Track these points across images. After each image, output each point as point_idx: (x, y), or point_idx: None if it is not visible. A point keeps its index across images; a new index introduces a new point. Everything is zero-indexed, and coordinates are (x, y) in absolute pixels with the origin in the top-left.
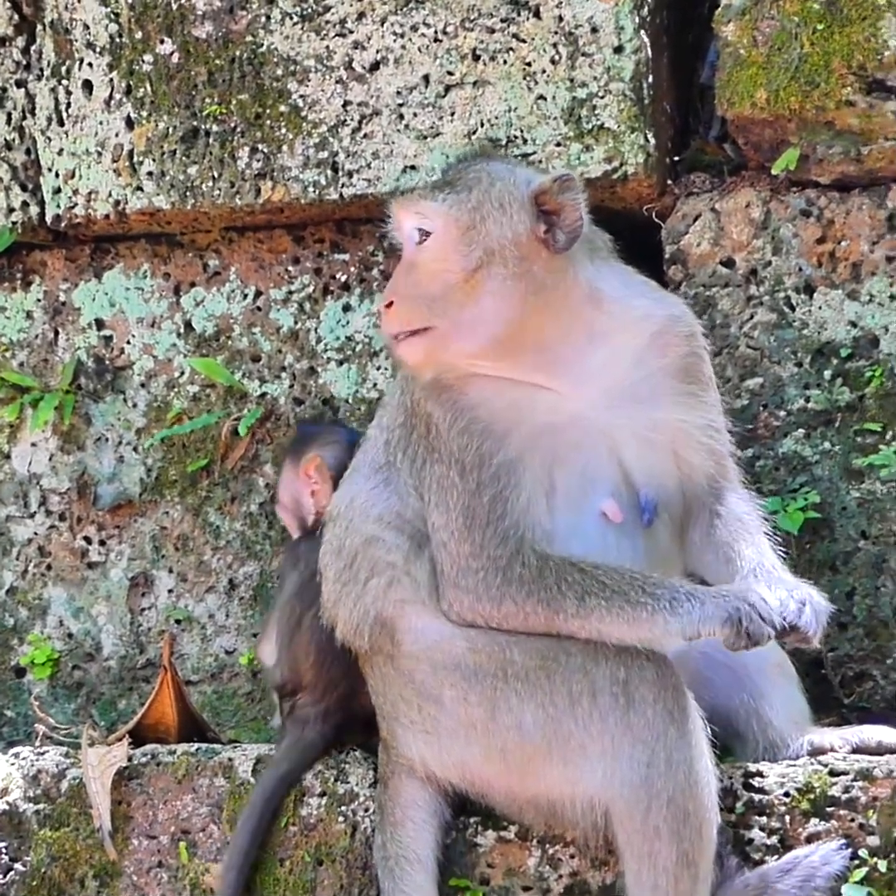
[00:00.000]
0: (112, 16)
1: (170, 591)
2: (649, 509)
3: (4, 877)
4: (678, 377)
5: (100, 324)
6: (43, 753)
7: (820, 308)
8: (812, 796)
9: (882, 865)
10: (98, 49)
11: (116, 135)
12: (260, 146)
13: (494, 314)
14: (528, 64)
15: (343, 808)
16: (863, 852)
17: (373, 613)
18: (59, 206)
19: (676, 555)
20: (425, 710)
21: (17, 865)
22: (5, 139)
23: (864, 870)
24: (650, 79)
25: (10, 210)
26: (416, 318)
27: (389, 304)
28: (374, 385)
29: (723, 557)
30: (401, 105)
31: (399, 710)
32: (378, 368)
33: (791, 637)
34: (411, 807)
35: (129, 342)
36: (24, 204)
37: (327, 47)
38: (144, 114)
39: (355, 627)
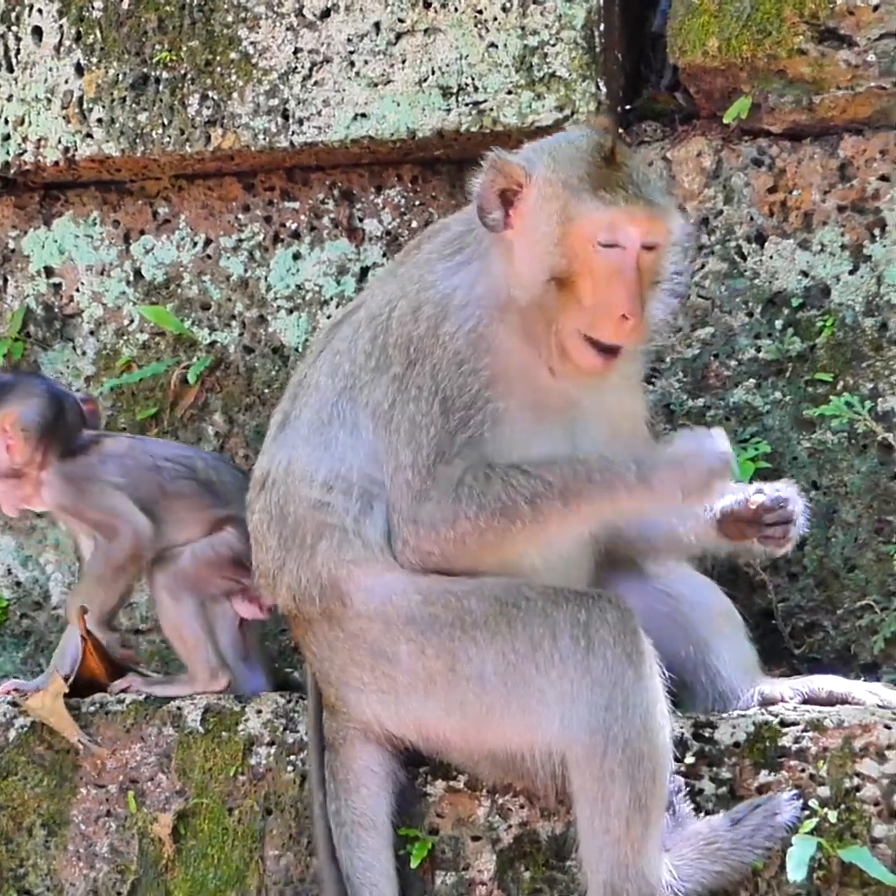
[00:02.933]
0: None
1: None
2: None
3: None
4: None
5: (49, 271)
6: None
7: (771, 257)
8: (762, 747)
9: (832, 816)
10: None
11: (66, 81)
12: (210, 93)
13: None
14: (480, 11)
15: (292, 757)
16: (813, 803)
17: (324, 575)
18: (8, 152)
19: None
20: (379, 669)
21: None
22: None
23: (815, 820)
24: (602, 27)
25: None
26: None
27: (626, 316)
28: None
29: None
30: (352, 52)
31: (349, 673)
32: (328, 317)
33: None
34: (365, 773)
35: (78, 290)
36: None
37: None
38: (94, 60)
39: (303, 592)
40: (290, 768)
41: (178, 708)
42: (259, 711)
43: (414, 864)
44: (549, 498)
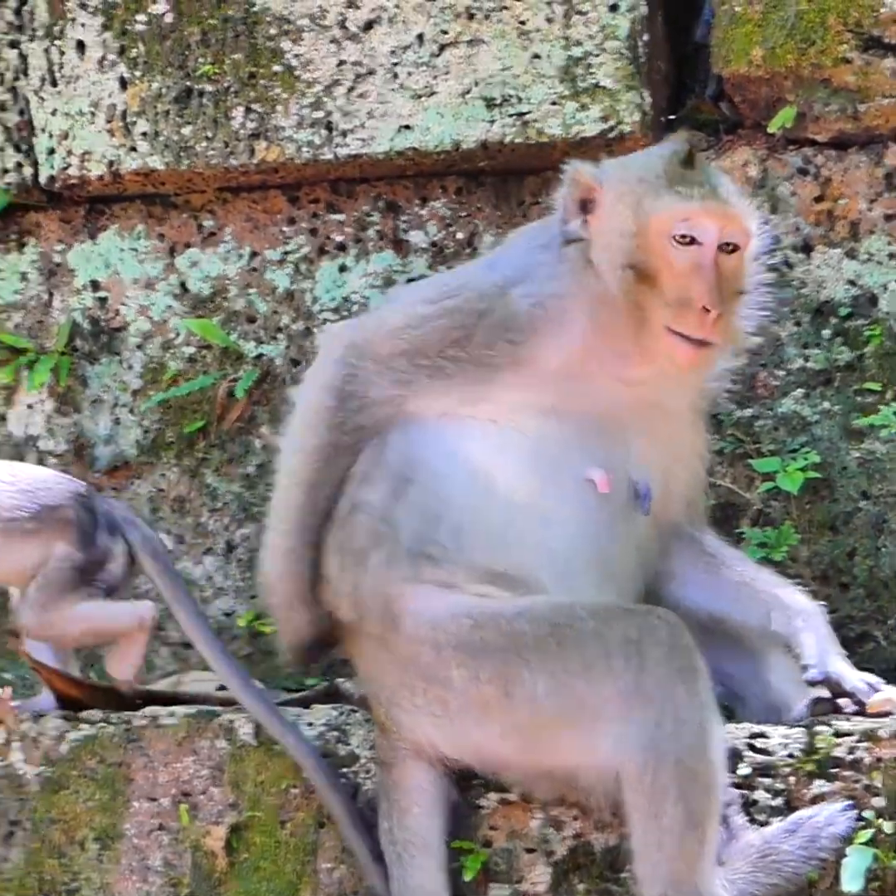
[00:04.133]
0: None
1: (168, 552)
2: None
3: (5, 840)
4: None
5: (95, 285)
6: (43, 716)
7: (818, 267)
8: (817, 758)
9: (887, 827)
10: (91, 9)
11: (110, 95)
12: (254, 106)
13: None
14: (523, 23)
15: (344, 769)
16: (868, 814)
17: (375, 594)
18: (52, 167)
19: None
20: (431, 692)
21: (17, 829)
22: None
23: (870, 831)
24: (646, 37)
25: (4, 171)
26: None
27: (707, 309)
28: None
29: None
30: (395, 64)
31: (400, 695)
32: None
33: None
34: (417, 792)
35: (124, 303)
36: (18, 165)
37: (320, 6)
38: (138, 74)
39: (357, 605)
40: (342, 781)
41: (230, 721)
42: (310, 724)
43: (468, 877)
44: None
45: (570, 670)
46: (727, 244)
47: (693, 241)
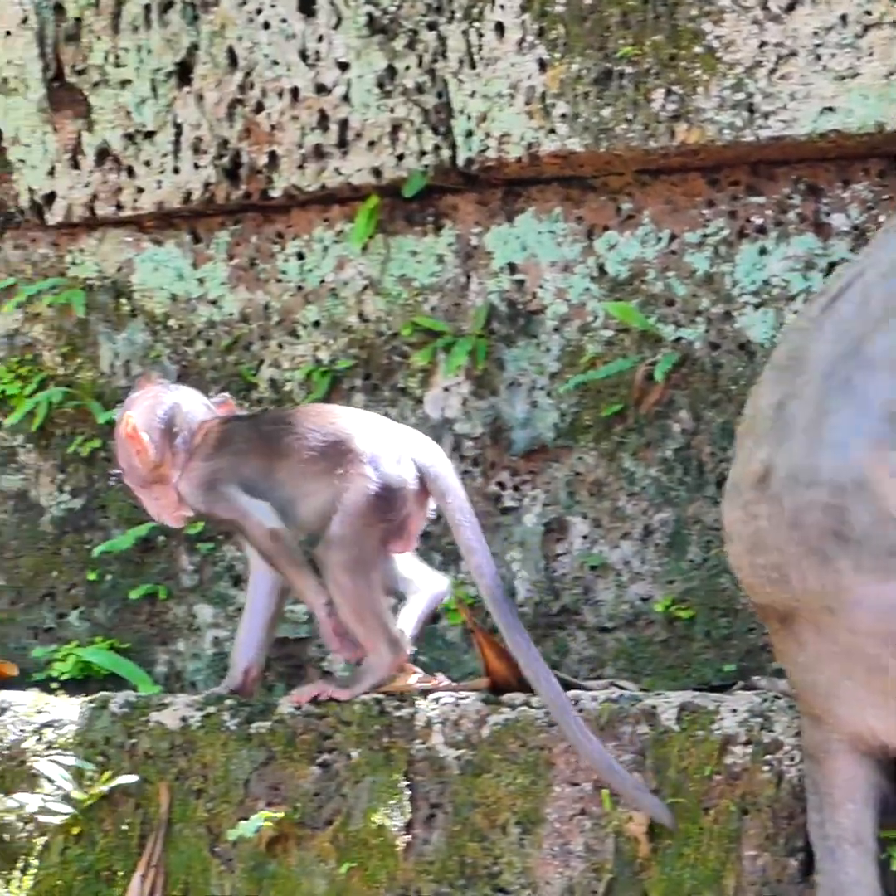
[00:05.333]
0: None
1: (584, 536)
2: None
3: (427, 823)
4: None
5: (512, 268)
6: (464, 699)
7: None
8: None
9: None
10: None
11: (529, 77)
12: (674, 88)
13: None
14: None
15: (768, 756)
16: None
17: (817, 583)
18: (470, 149)
19: None
20: (874, 684)
21: (439, 812)
22: (416, 82)
23: None
24: None
25: (422, 153)
26: None
27: None
28: None
29: None
30: (818, 46)
31: (840, 686)
32: (795, 313)
33: None
34: (850, 787)
35: (541, 286)
36: (436, 147)
37: None
38: (557, 56)
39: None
40: (766, 768)
41: (652, 707)
42: (734, 710)
43: (895, 867)
44: None
45: None
46: None
47: None
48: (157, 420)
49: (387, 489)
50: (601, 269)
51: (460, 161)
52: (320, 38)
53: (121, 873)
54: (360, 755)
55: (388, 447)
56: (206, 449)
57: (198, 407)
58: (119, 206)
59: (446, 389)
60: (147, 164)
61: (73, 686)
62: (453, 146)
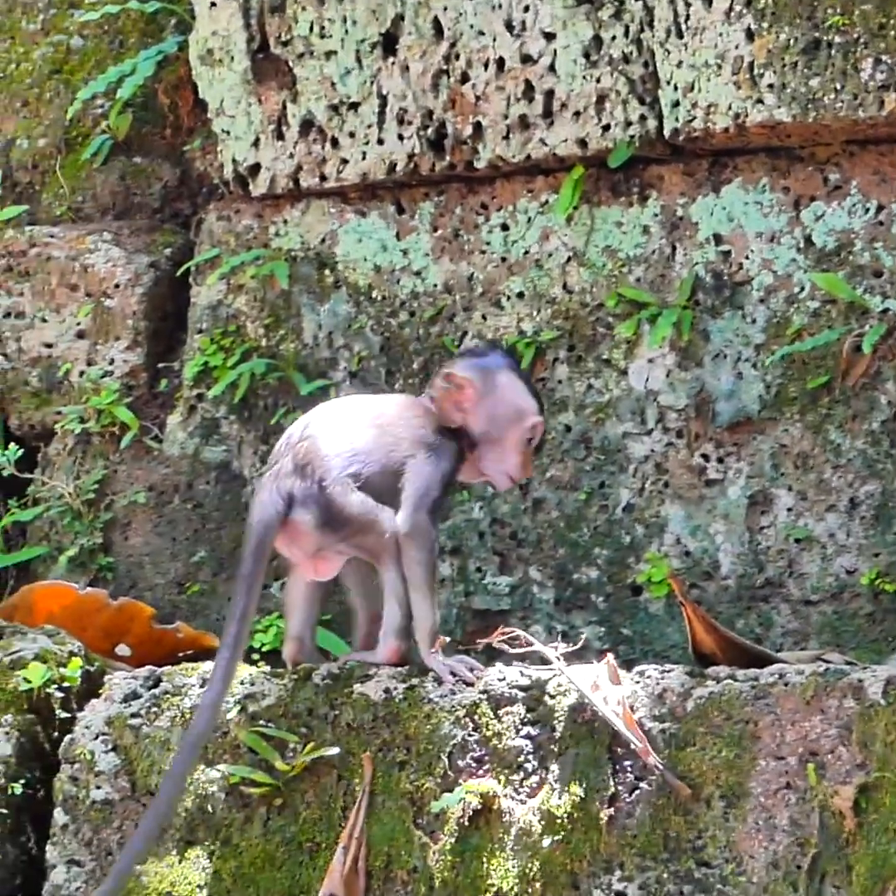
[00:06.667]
0: None
1: (789, 509)
2: None
3: (631, 795)
4: None
5: (718, 239)
6: (669, 672)
7: None
8: None
9: None
10: None
11: (736, 47)
12: (884, 57)
13: None
14: None
15: None
16: None
17: None
18: (677, 119)
19: None
20: None
21: (642, 784)
22: (623, 52)
23: None
24: None
25: (628, 124)
26: None
27: None
28: None
29: None
30: None
31: None
32: None
33: None
34: None
35: (747, 257)
36: (642, 117)
37: None
38: (765, 25)
39: None
40: None
41: (859, 680)
42: None
43: None
44: None
45: None
46: None
47: None
48: None
49: None
50: (808, 239)
51: (666, 131)
52: (526, 8)
53: (323, 845)
54: (564, 728)
55: None
56: None
57: None
58: (323, 177)
59: (651, 361)
60: (351, 135)
61: (275, 657)
62: (660, 116)
